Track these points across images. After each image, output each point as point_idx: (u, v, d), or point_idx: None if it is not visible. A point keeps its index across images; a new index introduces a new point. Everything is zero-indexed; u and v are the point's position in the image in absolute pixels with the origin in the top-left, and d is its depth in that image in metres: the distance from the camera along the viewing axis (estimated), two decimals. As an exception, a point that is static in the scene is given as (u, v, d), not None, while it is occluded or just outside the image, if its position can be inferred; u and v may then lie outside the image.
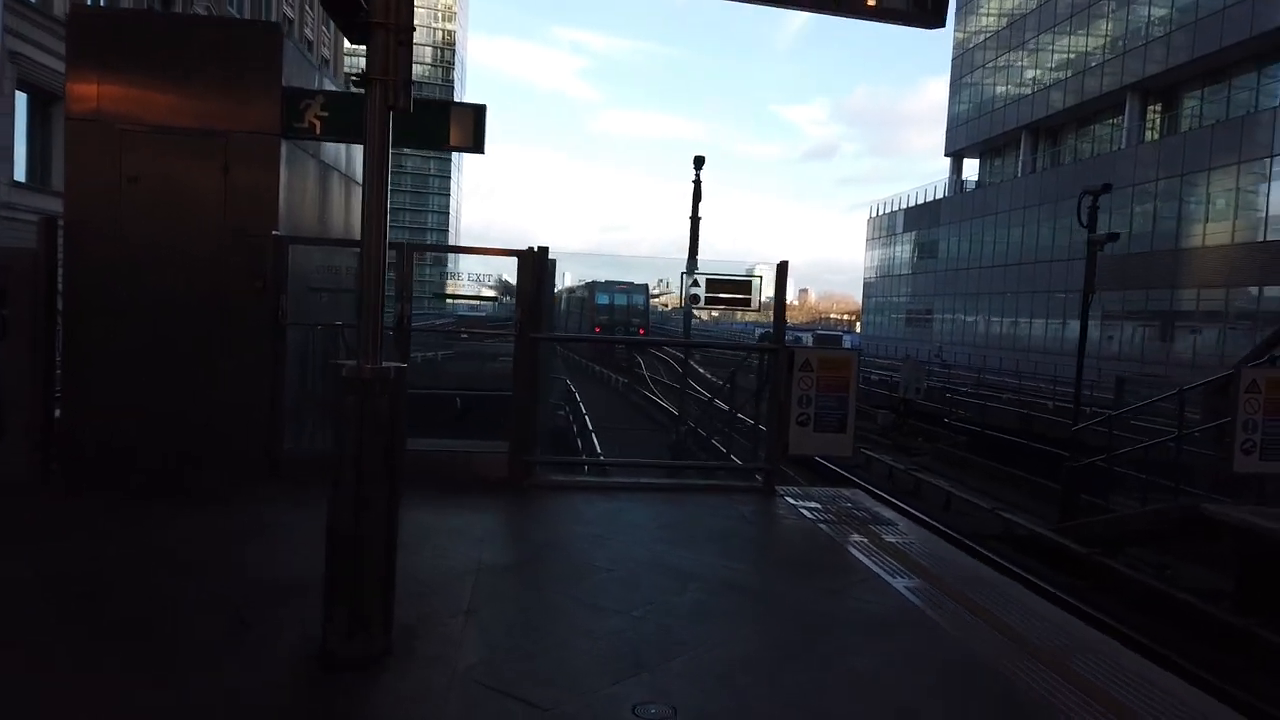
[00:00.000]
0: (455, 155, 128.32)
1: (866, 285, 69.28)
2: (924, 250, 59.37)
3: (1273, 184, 30.63)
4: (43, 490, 5.84)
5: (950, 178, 59.25)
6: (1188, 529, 7.76)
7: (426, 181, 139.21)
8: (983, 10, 54.88)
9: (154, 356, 6.28)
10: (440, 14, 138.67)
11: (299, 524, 5.30)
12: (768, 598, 4.44)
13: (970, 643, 3.96)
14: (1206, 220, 34.17)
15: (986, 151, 55.85)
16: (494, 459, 6.60)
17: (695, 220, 15.85)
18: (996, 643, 3.98)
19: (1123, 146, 40.32)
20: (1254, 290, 31.41)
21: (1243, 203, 32.39)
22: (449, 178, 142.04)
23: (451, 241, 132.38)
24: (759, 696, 3.30)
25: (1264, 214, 31.04)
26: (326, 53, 47.08)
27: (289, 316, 6.37)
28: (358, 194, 9.24)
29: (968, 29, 56.45)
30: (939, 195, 58.75)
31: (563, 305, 52.79)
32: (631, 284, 50.96)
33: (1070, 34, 45.07)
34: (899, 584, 4.75)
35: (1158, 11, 38.54)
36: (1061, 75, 45.81)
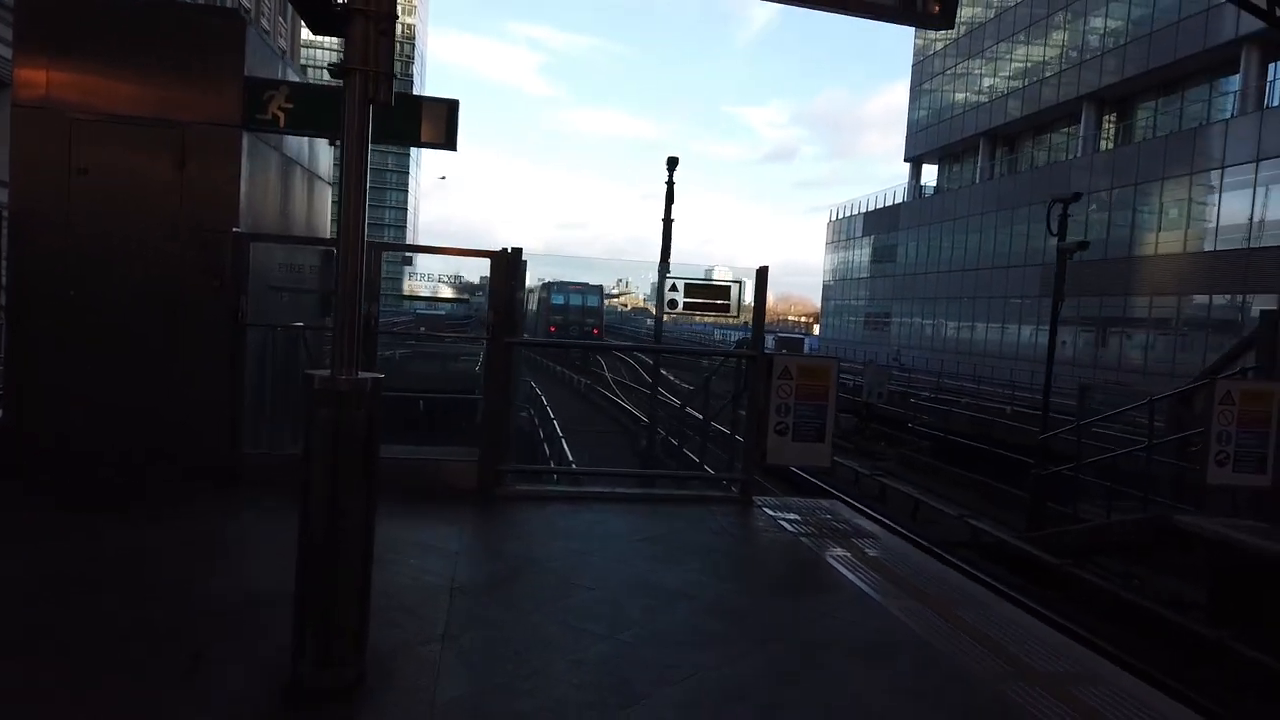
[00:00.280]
0: (414, 151, 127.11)
1: (825, 288, 69.76)
2: (883, 254, 59.90)
3: (1223, 195, 31.29)
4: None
5: (909, 183, 59.84)
6: (1161, 540, 7.76)
7: (384, 177, 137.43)
8: (942, 18, 55.36)
9: (102, 355, 5.98)
10: (400, 7, 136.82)
11: (258, 536, 5.06)
12: (758, 619, 4.27)
13: (969, 667, 3.83)
14: (1159, 229, 34.83)
15: (945, 157, 56.51)
16: (463, 467, 6.37)
17: (668, 222, 15.68)
18: (995, 667, 3.85)
19: (1078, 155, 40.98)
20: (1204, 299, 32.06)
21: (1194, 213, 33.05)
22: (407, 173, 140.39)
23: (410, 239, 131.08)
24: (759, 730, 3.13)
25: (1215, 224, 31.69)
26: (283, 43, 46.17)
27: (248, 317, 6.08)
28: (320, 190, 8.95)
29: (927, 36, 57.01)
30: (898, 200, 59.28)
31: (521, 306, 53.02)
32: (586, 285, 51.64)
33: (1028, 44, 45.72)
34: (889, 603, 4.61)
35: (1113, 23, 39.23)
36: (1019, 84, 46.45)
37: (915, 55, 58.73)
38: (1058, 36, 43.38)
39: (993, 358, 42.78)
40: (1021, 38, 46.19)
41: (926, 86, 57.14)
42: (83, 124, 5.98)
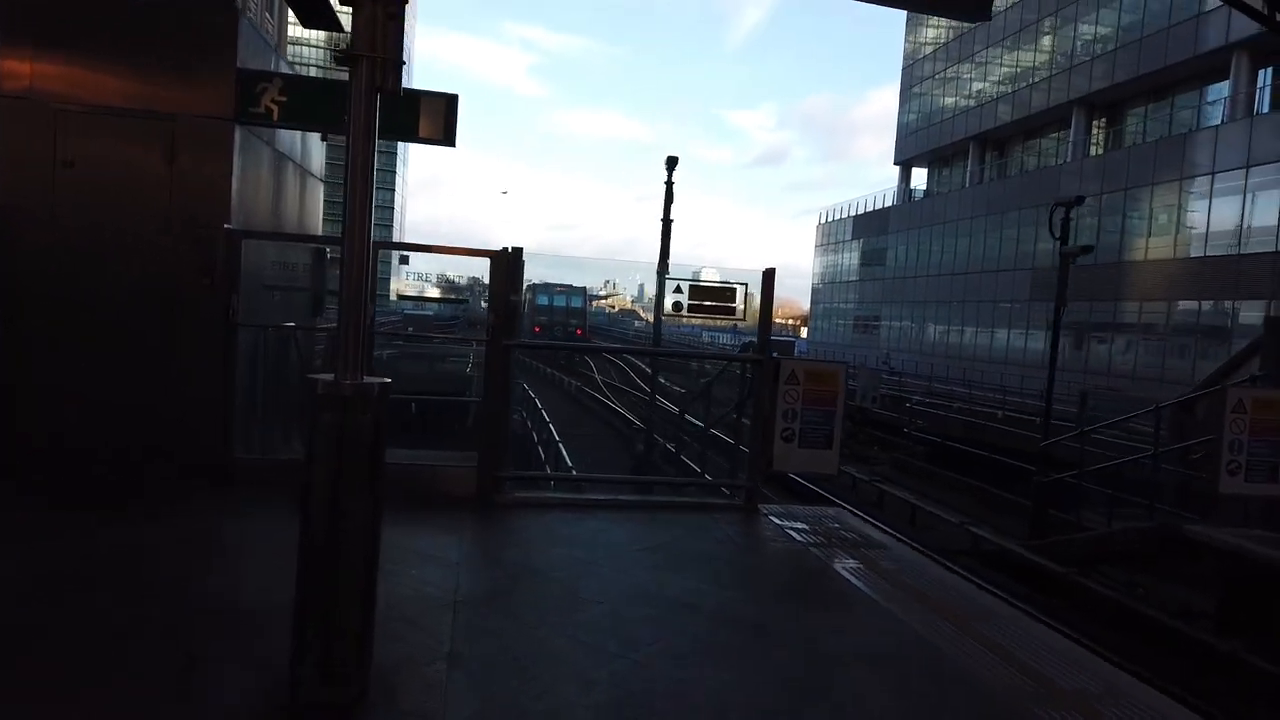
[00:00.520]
0: (400, 148, 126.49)
1: (814, 291, 69.76)
2: (872, 258, 59.93)
3: (1214, 201, 31.36)
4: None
5: (899, 186, 59.89)
6: (1168, 549, 7.65)
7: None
8: (931, 22, 55.54)
9: (97, 352, 5.80)
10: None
11: (250, 539, 4.89)
12: (775, 634, 4.11)
13: (993, 684, 3.68)
14: (1149, 235, 34.89)
15: (935, 161, 56.57)
16: (461, 472, 6.19)
17: (667, 223, 15.50)
18: (1019, 684, 3.71)
19: (1068, 160, 41.05)
20: (1194, 304, 32.14)
21: (1185, 219, 33.12)
22: (394, 171, 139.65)
23: (396, 238, 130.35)
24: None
25: (1205, 230, 31.76)
26: (270, 35, 45.78)
27: (240, 316, 5.89)
28: (313, 187, 8.75)
29: (917, 40, 57.12)
30: (888, 203, 59.33)
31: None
32: (570, 286, 52.53)
33: (1018, 49, 45.79)
34: (905, 617, 4.46)
35: (1104, 29, 39.32)
36: (1009, 88, 46.52)
37: (905, 59, 58.79)
38: (1047, 42, 43.47)
39: (982, 362, 42.79)
40: (1011, 43, 46.26)
41: (916, 90, 57.19)
42: (69, 116, 5.78)
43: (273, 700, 3.02)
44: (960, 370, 40.84)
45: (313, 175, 8.69)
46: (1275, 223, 28.37)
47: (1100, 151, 39.74)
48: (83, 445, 5.76)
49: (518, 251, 6.21)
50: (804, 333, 71.33)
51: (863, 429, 23.20)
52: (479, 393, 7.22)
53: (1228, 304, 30.56)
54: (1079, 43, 41.00)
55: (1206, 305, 31.64)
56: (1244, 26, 29.24)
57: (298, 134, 7.97)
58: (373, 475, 3.08)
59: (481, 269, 6.41)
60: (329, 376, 3.04)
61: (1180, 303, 32.87)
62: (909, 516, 13.90)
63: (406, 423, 11.07)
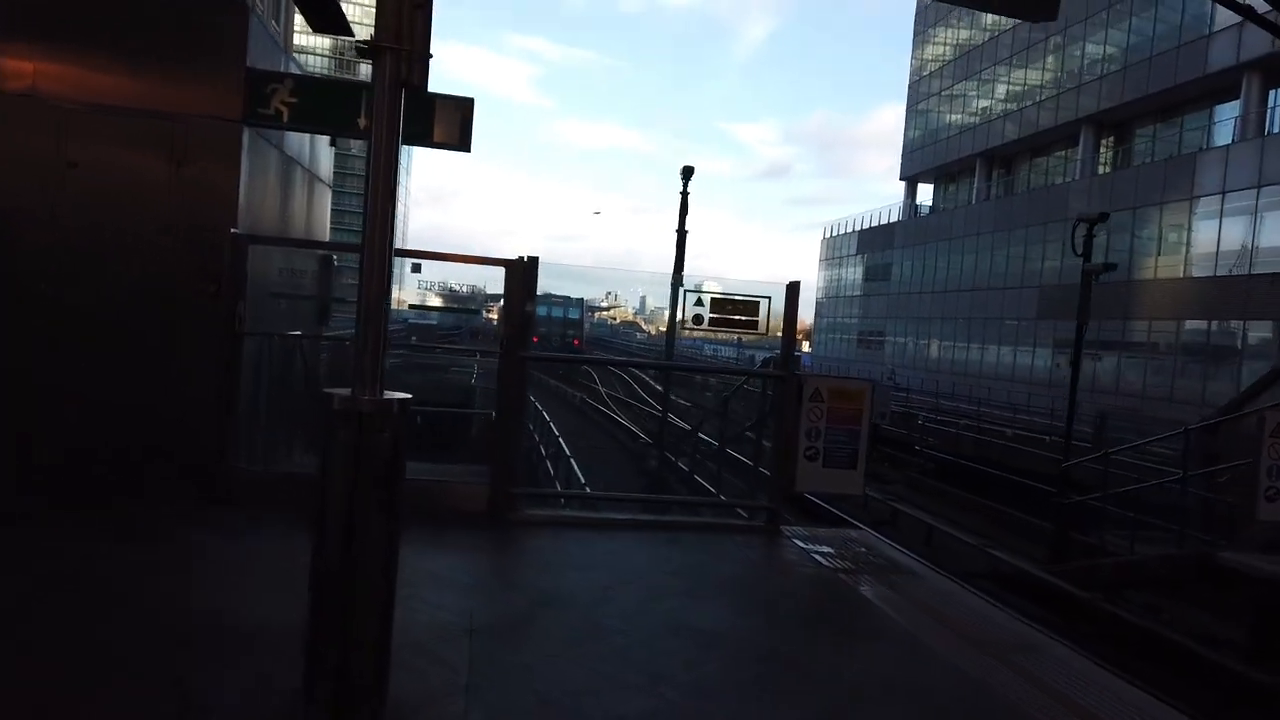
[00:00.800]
0: (404, 155, 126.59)
1: (818, 305, 69.51)
2: (877, 273, 59.72)
3: (1224, 220, 31.17)
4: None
5: (905, 202, 59.75)
6: (1200, 576, 7.41)
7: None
8: (936, 40, 55.54)
9: (98, 352, 5.59)
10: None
11: (251, 558, 4.66)
12: (807, 667, 3.88)
13: (1049, 730, 3.45)
14: (1158, 254, 34.68)
15: (941, 177, 56.45)
16: (472, 489, 5.96)
17: (682, 234, 15.28)
18: (1076, 729, 3.48)
19: (1076, 178, 40.89)
20: (1203, 324, 31.91)
21: (1193, 239, 32.93)
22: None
23: (399, 247, 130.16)
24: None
25: (1214, 250, 31.55)
26: (276, 36, 45.77)
27: (246, 324, 5.67)
28: (321, 192, 8.56)
29: (923, 56, 57.09)
30: (893, 219, 59.16)
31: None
32: (567, 298, 52.79)
33: (1025, 67, 45.67)
34: (943, 649, 4.22)
35: (1111, 49, 39.21)
36: (1015, 106, 46.41)
37: (911, 75, 58.75)
38: (1054, 60, 43.36)
39: (989, 379, 42.52)
40: (1018, 60, 46.16)
41: (922, 107, 57.12)
42: (72, 116, 5.59)
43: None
44: (966, 387, 40.57)
45: (321, 181, 8.51)
46: (1286, 243, 28.20)
47: (1108, 170, 39.58)
48: (83, 445, 5.58)
49: (534, 261, 6.00)
50: (806, 346, 70.99)
51: (874, 446, 22.83)
52: (483, 404, 6.99)
53: (1236, 324, 30.35)
54: (1087, 61, 40.90)
55: (1215, 325, 31.42)
56: (1255, 46, 29.16)
57: (306, 138, 7.78)
58: (391, 496, 2.86)
59: (484, 279, 6.21)
60: (345, 391, 2.83)
61: (1188, 322, 32.65)
62: (924, 537, 13.64)
63: (417, 436, 10.83)
